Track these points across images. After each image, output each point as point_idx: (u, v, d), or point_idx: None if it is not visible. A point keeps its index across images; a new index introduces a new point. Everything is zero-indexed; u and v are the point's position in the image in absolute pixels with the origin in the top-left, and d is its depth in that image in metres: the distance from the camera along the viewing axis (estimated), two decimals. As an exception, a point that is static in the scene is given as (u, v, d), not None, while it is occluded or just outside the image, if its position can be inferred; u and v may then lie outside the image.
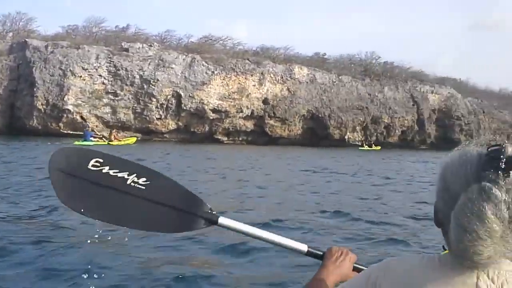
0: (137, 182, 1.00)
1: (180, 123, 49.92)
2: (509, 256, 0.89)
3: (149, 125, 48.71)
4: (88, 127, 37.71)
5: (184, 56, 49.75)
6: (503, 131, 79.17)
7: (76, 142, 30.46)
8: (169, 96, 48.61)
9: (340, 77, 59.96)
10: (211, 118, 50.41)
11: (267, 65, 53.32)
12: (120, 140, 34.79)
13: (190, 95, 48.82)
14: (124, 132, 44.26)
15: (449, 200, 0.88)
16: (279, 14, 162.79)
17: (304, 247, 1.25)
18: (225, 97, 50.63)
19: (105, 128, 44.29)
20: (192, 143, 45.70)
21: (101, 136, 35.24)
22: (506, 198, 0.82)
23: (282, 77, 54.47)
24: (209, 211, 1.13)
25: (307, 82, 56.69)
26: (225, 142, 52.42)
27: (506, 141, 0.89)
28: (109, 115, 47.25)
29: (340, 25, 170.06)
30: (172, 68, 48.77)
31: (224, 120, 51.57)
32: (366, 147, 56.97)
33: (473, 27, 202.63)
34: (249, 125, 54.23)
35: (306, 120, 57.81)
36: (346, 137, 60.89)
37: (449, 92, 69.88)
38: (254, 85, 52.50)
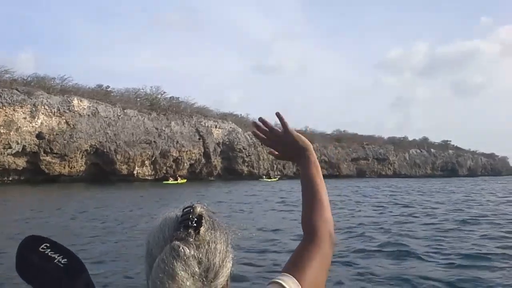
0: (60, 262, 1.41)
1: None
2: None
3: None
4: None
5: None
6: (279, 162, 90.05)
7: None
8: None
9: (125, 111, 59.00)
10: (-31, 156, 43.01)
11: (40, 96, 48.69)
12: None
13: None
14: None
15: (152, 265, 0.89)
16: (68, 44, 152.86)
17: None
18: (-13, 132, 44.01)
19: None
20: None
21: None
22: (196, 254, 0.86)
23: (59, 110, 50.45)
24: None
25: (88, 115, 53.84)
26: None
27: (196, 203, 0.95)
28: None
29: (127, 58, 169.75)
30: None
31: (-13, 158, 44.61)
32: (170, 181, 57.67)
33: (256, 69, 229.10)
34: (21, 162, 48.18)
35: (89, 156, 54.54)
36: (135, 172, 59.68)
37: (231, 127, 76.06)
38: (25, 118, 47.13)
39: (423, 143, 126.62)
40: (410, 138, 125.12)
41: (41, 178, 48.95)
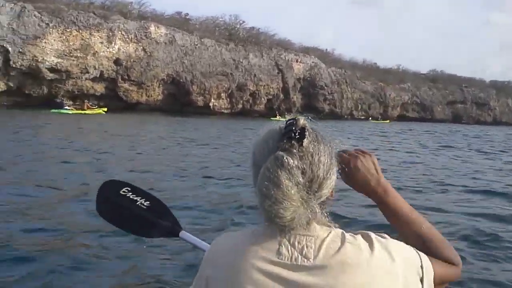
0: (143, 204, 1.61)
1: (11, 84, 42.32)
2: (324, 221, 0.95)
3: (-31, 86, 40.52)
4: (62, 98, 43.61)
5: (12, 4, 41.83)
6: (365, 101, 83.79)
7: (53, 110, 36.57)
8: (-7, 52, 40.70)
9: (202, 40, 56.59)
10: (49, 78, 43.54)
11: (117, 20, 47.59)
12: (92, 109, 41.69)
13: (20, 50, 41.36)
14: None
15: (257, 174, 0.91)
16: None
17: None
18: (65, 55, 43.92)
19: None
20: (28, 108, 38.63)
21: (75, 106, 41.81)
22: (299, 164, 0.88)
23: (136, 36, 49.27)
24: (175, 225, 1.62)
25: (165, 43, 52.21)
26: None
27: (300, 115, 0.95)
28: None
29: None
30: (-4, 18, 40.79)
31: (66, 82, 45.01)
32: (278, 118, 56.68)
33: (354, 2, 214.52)
34: (99, 88, 48.39)
35: (166, 85, 53.61)
36: (210, 104, 58.19)
37: (313, 62, 70.86)
38: (102, 43, 46.58)
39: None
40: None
41: (119, 105, 49.01)
